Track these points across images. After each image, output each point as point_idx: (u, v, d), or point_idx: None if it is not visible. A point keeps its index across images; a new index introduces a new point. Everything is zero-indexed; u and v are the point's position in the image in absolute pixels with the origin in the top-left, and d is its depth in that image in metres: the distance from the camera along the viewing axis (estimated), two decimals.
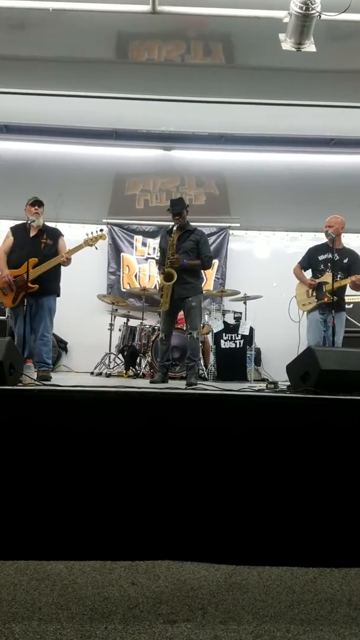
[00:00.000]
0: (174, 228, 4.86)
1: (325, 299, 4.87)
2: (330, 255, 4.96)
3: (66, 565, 2.16)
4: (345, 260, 4.98)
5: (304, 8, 4.04)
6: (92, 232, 5.00)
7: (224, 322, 6.31)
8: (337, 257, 5.01)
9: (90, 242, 4.92)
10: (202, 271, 5.18)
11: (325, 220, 5.21)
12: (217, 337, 6.19)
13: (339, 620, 1.83)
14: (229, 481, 2.38)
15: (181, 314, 5.10)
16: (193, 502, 2.35)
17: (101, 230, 5.20)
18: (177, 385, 4.49)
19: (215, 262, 7.61)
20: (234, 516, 2.34)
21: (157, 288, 5.16)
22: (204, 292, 7.33)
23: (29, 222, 4.57)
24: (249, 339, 6.16)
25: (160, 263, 5.11)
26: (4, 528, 2.29)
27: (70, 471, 2.37)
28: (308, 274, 5.34)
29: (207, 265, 5.00)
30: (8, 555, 2.20)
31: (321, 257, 5.21)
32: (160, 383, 4.80)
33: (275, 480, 2.38)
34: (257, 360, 6.80)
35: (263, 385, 4.58)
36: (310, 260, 5.31)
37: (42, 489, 2.34)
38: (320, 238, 5.37)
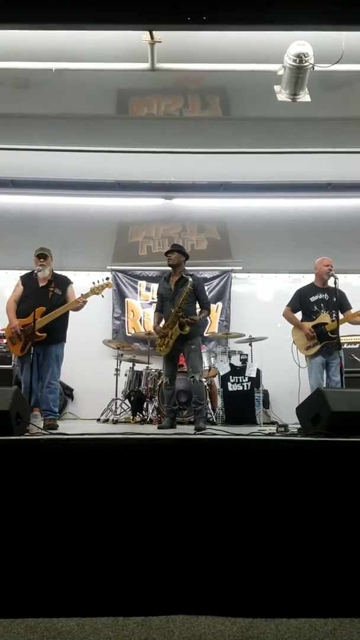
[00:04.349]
0: (170, 275, 4.99)
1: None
2: (322, 296, 5.21)
3: (77, 623, 2.09)
4: (335, 299, 5.03)
5: (297, 61, 4.17)
6: (98, 281, 5.04)
7: (231, 365, 6.27)
8: (328, 297, 5.12)
9: (96, 290, 4.96)
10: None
11: (315, 262, 5.30)
12: (224, 379, 6.14)
13: None
14: (242, 530, 2.32)
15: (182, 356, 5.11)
16: (205, 553, 2.29)
17: (107, 278, 5.27)
18: (185, 430, 4.45)
19: (219, 304, 7.68)
20: (248, 567, 2.28)
21: (154, 331, 5.24)
22: (209, 335, 7.46)
23: (35, 271, 4.70)
24: (256, 380, 6.11)
25: (159, 309, 5.17)
26: (12, 585, 2.23)
27: (80, 523, 2.32)
28: (298, 315, 5.38)
29: (208, 312, 5.15)
30: (17, 613, 2.14)
31: (312, 299, 5.27)
32: (168, 428, 4.77)
33: (291, 527, 2.33)
34: (265, 403, 6.73)
35: (273, 429, 4.51)
36: (301, 302, 5.34)
37: (51, 543, 2.29)
38: None
